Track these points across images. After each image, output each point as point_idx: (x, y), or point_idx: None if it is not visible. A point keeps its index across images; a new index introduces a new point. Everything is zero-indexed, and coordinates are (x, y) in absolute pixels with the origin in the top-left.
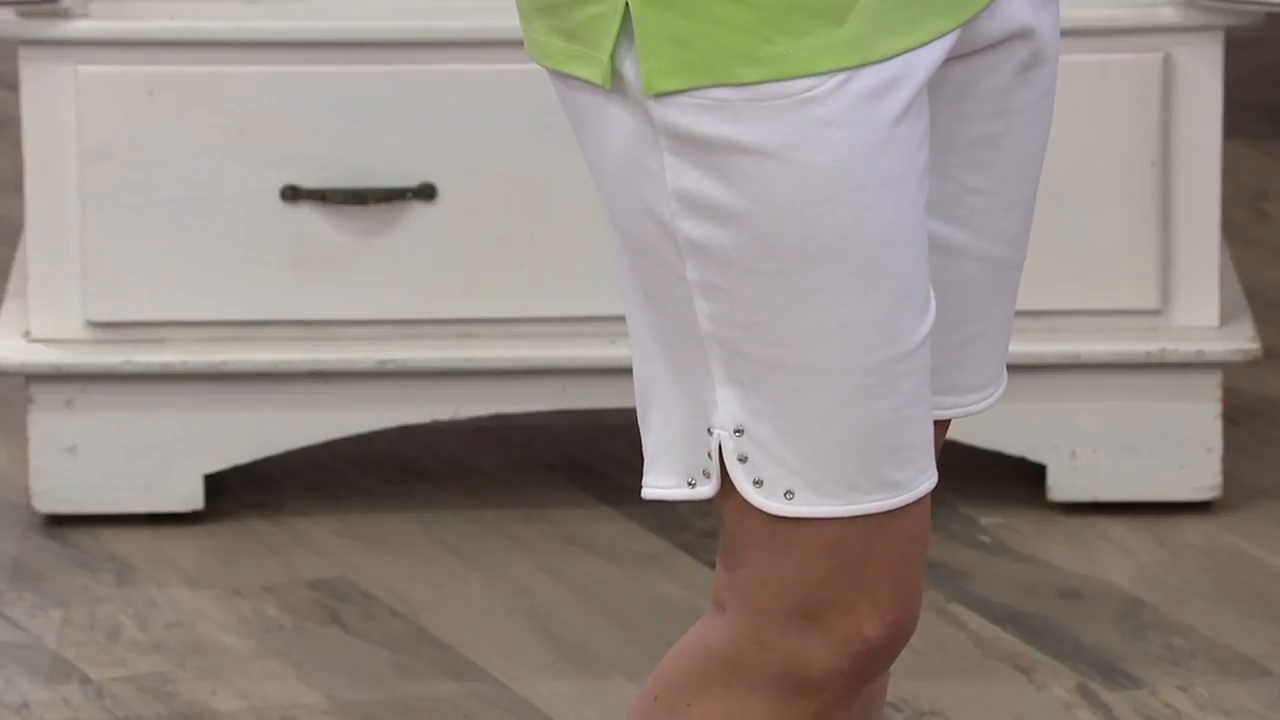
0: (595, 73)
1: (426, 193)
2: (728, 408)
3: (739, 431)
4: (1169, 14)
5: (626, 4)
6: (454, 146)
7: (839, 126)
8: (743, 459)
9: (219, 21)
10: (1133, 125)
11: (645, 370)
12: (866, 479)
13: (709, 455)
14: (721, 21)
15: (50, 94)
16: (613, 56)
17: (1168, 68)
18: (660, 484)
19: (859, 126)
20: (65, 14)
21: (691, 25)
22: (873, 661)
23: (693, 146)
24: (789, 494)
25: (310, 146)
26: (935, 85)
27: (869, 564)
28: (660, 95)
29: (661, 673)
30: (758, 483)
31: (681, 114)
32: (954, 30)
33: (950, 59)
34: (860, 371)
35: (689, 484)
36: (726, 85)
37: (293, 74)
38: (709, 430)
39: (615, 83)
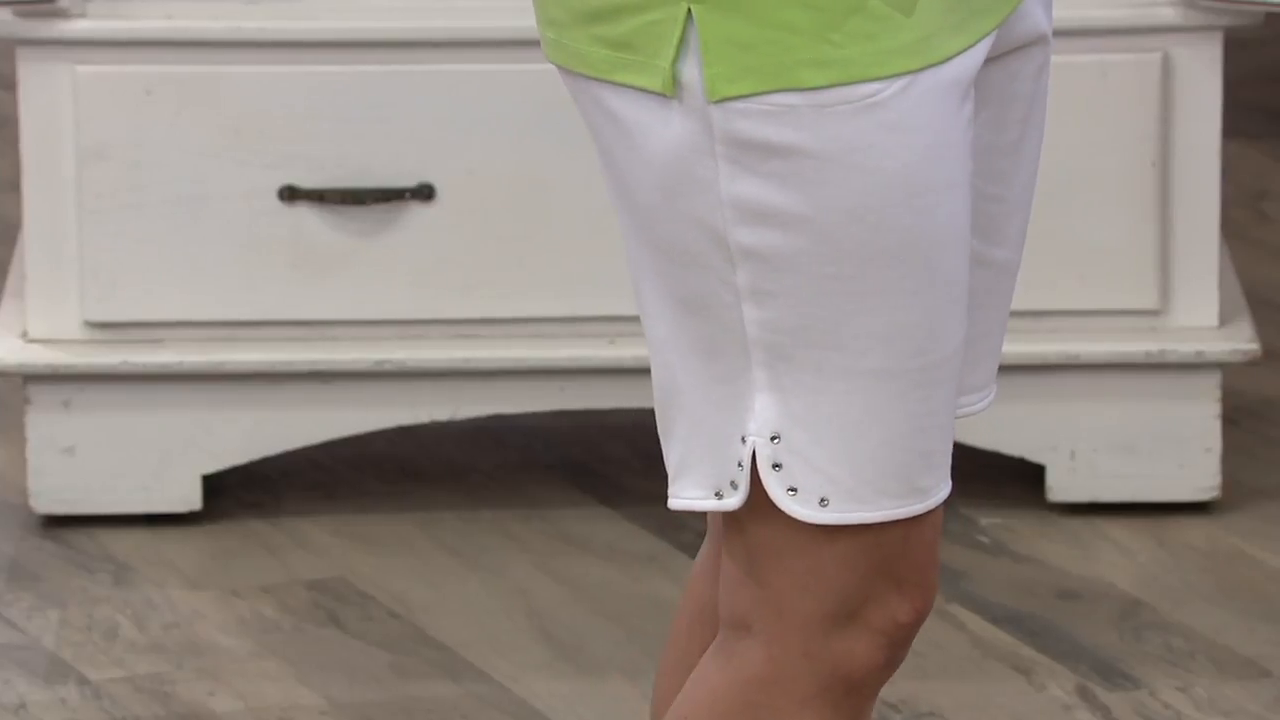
0: (653, 80)
1: (425, 193)
2: (766, 414)
3: (775, 438)
4: (1169, 14)
5: (688, 10)
6: (453, 146)
7: (904, 131)
8: (777, 466)
9: (217, 21)
10: (1132, 125)
11: (668, 381)
12: (898, 484)
13: (739, 465)
14: (787, 26)
15: (48, 94)
16: (673, 63)
17: (1167, 68)
18: (688, 495)
19: (922, 130)
20: (63, 14)
21: (756, 30)
22: (903, 646)
23: (753, 152)
24: (824, 501)
25: (308, 146)
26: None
27: (904, 560)
28: (722, 101)
29: None
30: (791, 490)
31: (743, 120)
32: (993, 31)
33: (985, 62)
34: (904, 375)
35: (716, 495)
36: (791, 90)
37: (291, 74)
38: (742, 439)
39: (675, 90)
